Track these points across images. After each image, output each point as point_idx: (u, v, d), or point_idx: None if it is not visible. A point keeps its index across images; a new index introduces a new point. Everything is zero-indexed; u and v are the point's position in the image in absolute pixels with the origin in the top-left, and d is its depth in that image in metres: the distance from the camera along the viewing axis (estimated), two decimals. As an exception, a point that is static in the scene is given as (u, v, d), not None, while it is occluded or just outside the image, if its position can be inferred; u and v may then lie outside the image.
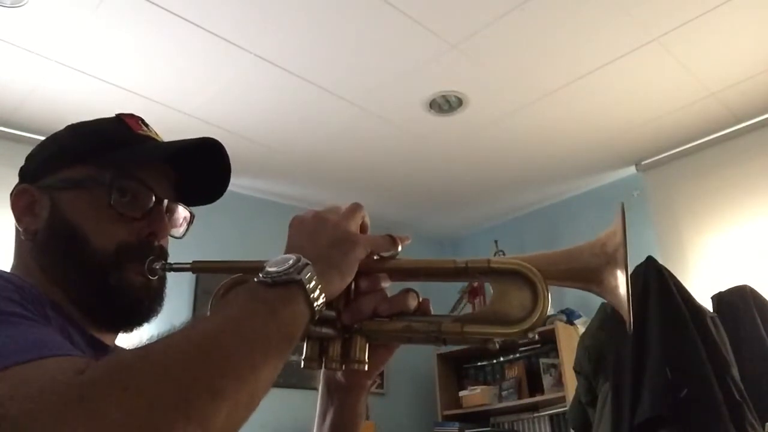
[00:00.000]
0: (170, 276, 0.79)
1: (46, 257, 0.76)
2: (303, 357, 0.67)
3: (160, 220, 0.79)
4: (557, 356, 3.45)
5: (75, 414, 0.43)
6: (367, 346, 0.68)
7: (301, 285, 0.57)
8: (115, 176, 0.76)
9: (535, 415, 3.64)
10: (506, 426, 3.79)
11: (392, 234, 0.68)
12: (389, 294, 0.69)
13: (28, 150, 0.84)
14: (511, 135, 3.36)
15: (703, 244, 3.33)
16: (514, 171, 3.77)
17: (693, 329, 1.98)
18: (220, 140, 0.81)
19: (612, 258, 0.61)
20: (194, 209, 0.88)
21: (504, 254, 4.05)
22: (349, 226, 0.65)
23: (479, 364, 4.00)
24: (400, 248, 0.68)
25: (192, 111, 3.00)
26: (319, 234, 0.64)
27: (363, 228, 0.68)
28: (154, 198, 0.78)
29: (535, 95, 3.01)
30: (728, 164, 3.33)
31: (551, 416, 3.55)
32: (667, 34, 2.60)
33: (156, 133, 0.84)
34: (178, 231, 0.86)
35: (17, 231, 0.79)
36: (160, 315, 0.81)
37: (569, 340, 3.32)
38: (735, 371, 1.99)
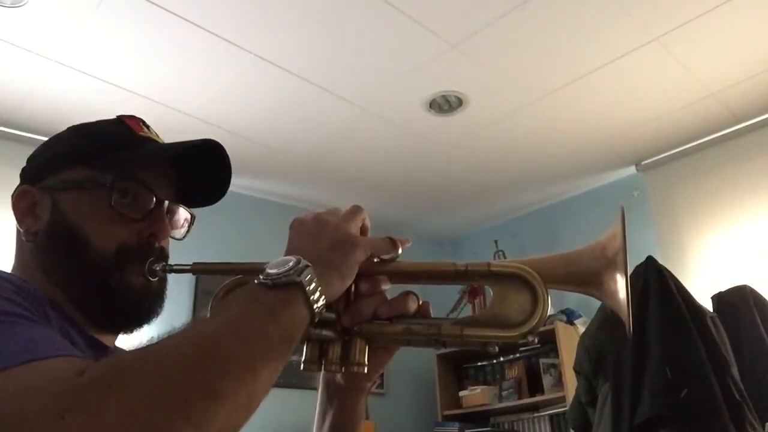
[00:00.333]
0: (170, 277, 0.80)
1: (46, 258, 0.76)
2: (303, 359, 0.67)
3: (161, 222, 0.79)
4: (557, 356, 3.45)
5: (75, 415, 0.44)
6: (367, 348, 0.68)
7: (301, 287, 0.57)
8: (116, 177, 0.76)
9: (535, 415, 3.63)
10: (506, 426, 3.79)
11: (392, 236, 0.68)
12: (389, 296, 0.69)
13: (28, 150, 0.84)
14: (511, 135, 3.36)
15: (703, 244, 3.33)
16: (514, 171, 3.77)
17: (693, 329, 1.97)
18: (220, 140, 0.81)
19: (612, 262, 0.61)
20: (194, 210, 0.88)
21: (504, 254, 4.05)
22: (349, 229, 0.65)
23: (479, 364, 4.00)
24: (400, 251, 0.68)
25: (192, 111, 3.00)
26: (319, 236, 0.64)
27: (363, 230, 0.68)
28: (154, 199, 0.78)
29: (535, 95, 3.01)
30: (728, 164, 3.33)
31: (551, 416, 3.54)
32: (667, 34, 2.60)
33: (157, 135, 0.85)
34: (179, 232, 0.86)
35: (18, 232, 0.79)
36: (160, 316, 0.81)
37: (569, 340, 3.31)
38: (735, 371, 1.99)
